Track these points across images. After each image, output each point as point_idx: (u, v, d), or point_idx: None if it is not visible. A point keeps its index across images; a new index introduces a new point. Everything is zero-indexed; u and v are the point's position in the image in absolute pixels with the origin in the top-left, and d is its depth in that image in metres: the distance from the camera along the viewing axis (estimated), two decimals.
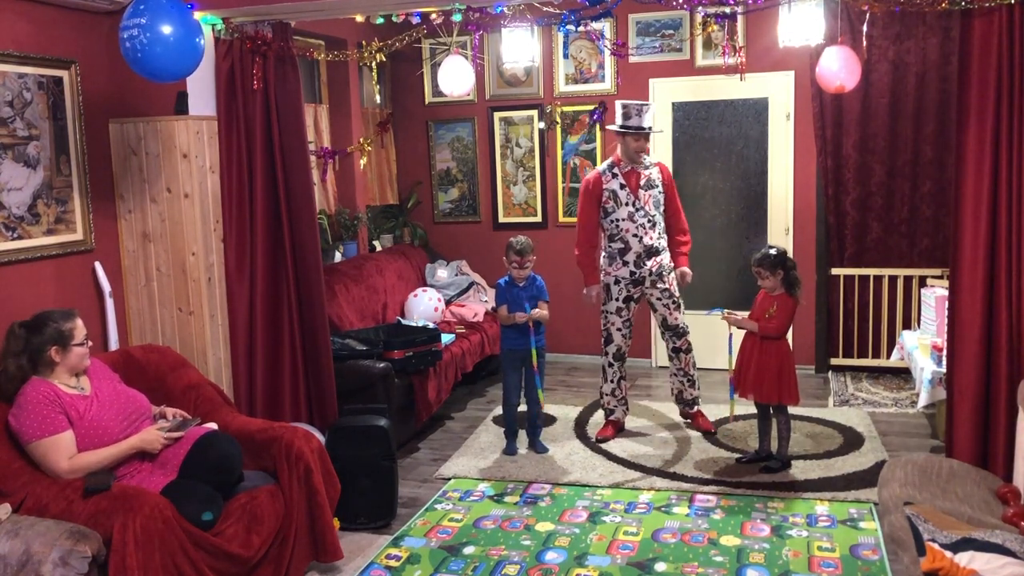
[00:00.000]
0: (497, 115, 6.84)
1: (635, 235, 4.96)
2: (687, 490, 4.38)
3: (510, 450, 4.95)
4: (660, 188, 5.04)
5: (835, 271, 6.22)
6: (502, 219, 6.96)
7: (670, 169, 5.40)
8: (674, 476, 4.54)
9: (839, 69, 4.64)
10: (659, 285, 5.02)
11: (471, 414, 5.78)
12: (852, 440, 4.94)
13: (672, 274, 5.08)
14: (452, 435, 5.37)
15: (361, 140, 6.44)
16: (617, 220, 4.98)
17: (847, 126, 6.03)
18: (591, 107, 6.56)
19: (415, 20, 4.21)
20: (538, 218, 6.87)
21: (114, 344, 4.18)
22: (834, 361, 6.32)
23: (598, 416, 5.46)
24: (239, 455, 3.39)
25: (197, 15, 3.90)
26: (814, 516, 4.05)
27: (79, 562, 2.73)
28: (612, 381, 5.14)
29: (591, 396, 5.89)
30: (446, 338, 5.56)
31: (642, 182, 4.99)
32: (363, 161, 6.45)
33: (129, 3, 3.59)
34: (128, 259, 4.34)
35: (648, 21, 6.36)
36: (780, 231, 6.33)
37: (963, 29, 3.66)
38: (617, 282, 5.02)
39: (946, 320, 4.00)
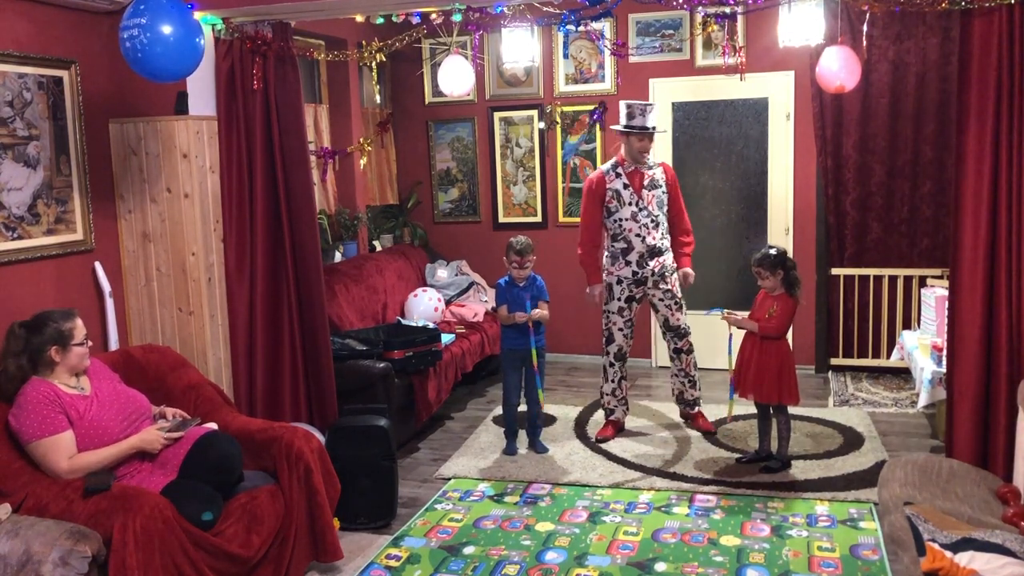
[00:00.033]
0: (497, 115, 6.84)
1: (638, 235, 4.96)
2: (687, 490, 4.38)
3: (510, 450, 4.95)
4: (664, 188, 5.05)
5: (835, 271, 6.22)
6: (502, 219, 6.96)
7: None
8: (674, 476, 4.54)
9: (839, 69, 4.64)
10: (661, 286, 5.02)
11: (471, 414, 5.78)
12: (852, 440, 4.94)
13: (675, 275, 5.08)
14: (452, 435, 5.37)
15: (361, 140, 6.44)
16: (620, 220, 4.98)
17: (847, 126, 6.03)
18: (591, 107, 6.56)
19: (415, 20, 4.21)
20: (538, 218, 6.87)
21: (114, 344, 4.18)
22: (834, 361, 6.32)
23: (598, 416, 5.46)
24: (239, 455, 3.39)
25: (197, 15, 3.90)
26: (814, 516, 4.05)
27: (79, 562, 2.73)
28: (613, 381, 5.14)
29: (591, 396, 5.89)
30: (446, 338, 5.56)
31: (646, 182, 4.99)
32: (363, 161, 6.45)
33: (129, 3, 3.60)
34: (128, 259, 4.34)
35: (648, 21, 6.36)
36: (780, 231, 6.33)
37: (963, 29, 3.66)
38: (619, 282, 5.02)
39: (946, 320, 4.00)
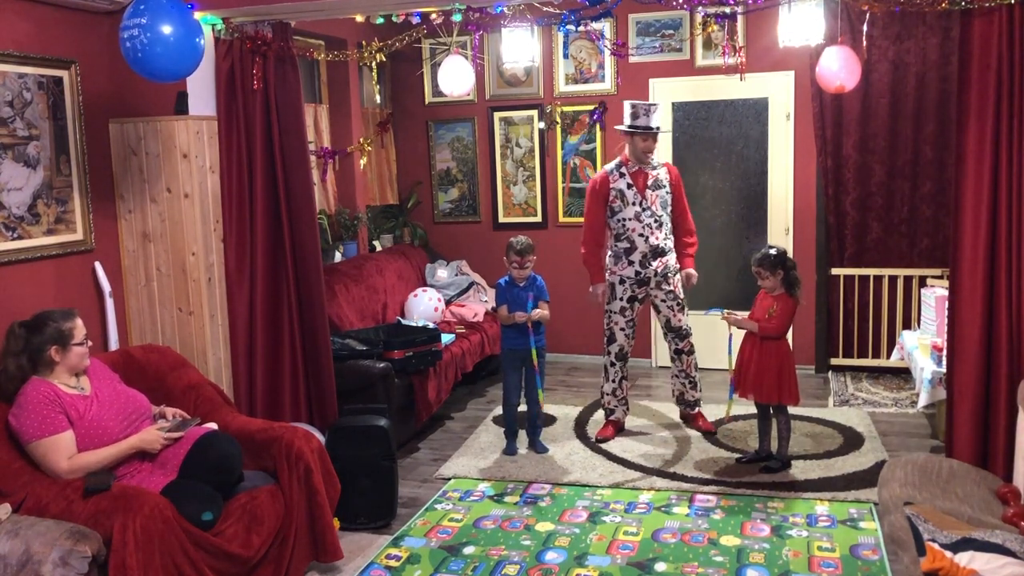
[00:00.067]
0: (497, 115, 6.84)
1: (641, 235, 4.96)
2: (687, 490, 4.38)
3: (510, 450, 4.95)
4: (667, 188, 5.05)
5: (835, 271, 6.22)
6: (502, 219, 6.96)
7: None
8: (674, 476, 4.54)
9: (839, 69, 4.64)
10: (664, 287, 5.02)
11: (471, 414, 5.78)
12: (852, 440, 4.94)
13: (677, 276, 5.08)
14: (452, 435, 5.37)
15: (361, 140, 6.44)
16: (624, 220, 4.98)
17: (847, 126, 6.03)
18: (591, 107, 6.56)
19: (415, 20, 4.21)
20: (538, 218, 6.87)
21: (114, 344, 4.18)
22: (834, 361, 6.32)
23: (598, 416, 5.46)
24: (239, 455, 3.39)
25: (197, 15, 3.90)
26: (814, 516, 4.05)
27: (79, 562, 2.73)
28: (613, 381, 5.14)
29: (591, 396, 5.89)
30: (446, 338, 5.56)
31: (649, 182, 4.99)
32: (363, 161, 6.45)
33: (129, 3, 3.60)
34: (128, 259, 4.34)
35: (648, 21, 6.36)
36: (780, 231, 6.33)
37: (963, 29, 3.66)
38: (622, 282, 5.02)
39: (946, 320, 4.00)
